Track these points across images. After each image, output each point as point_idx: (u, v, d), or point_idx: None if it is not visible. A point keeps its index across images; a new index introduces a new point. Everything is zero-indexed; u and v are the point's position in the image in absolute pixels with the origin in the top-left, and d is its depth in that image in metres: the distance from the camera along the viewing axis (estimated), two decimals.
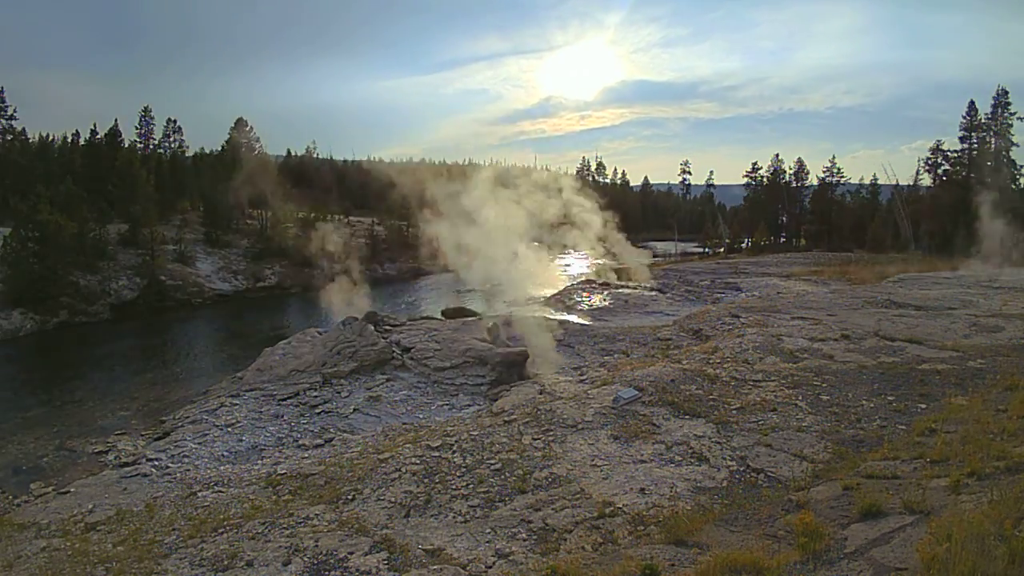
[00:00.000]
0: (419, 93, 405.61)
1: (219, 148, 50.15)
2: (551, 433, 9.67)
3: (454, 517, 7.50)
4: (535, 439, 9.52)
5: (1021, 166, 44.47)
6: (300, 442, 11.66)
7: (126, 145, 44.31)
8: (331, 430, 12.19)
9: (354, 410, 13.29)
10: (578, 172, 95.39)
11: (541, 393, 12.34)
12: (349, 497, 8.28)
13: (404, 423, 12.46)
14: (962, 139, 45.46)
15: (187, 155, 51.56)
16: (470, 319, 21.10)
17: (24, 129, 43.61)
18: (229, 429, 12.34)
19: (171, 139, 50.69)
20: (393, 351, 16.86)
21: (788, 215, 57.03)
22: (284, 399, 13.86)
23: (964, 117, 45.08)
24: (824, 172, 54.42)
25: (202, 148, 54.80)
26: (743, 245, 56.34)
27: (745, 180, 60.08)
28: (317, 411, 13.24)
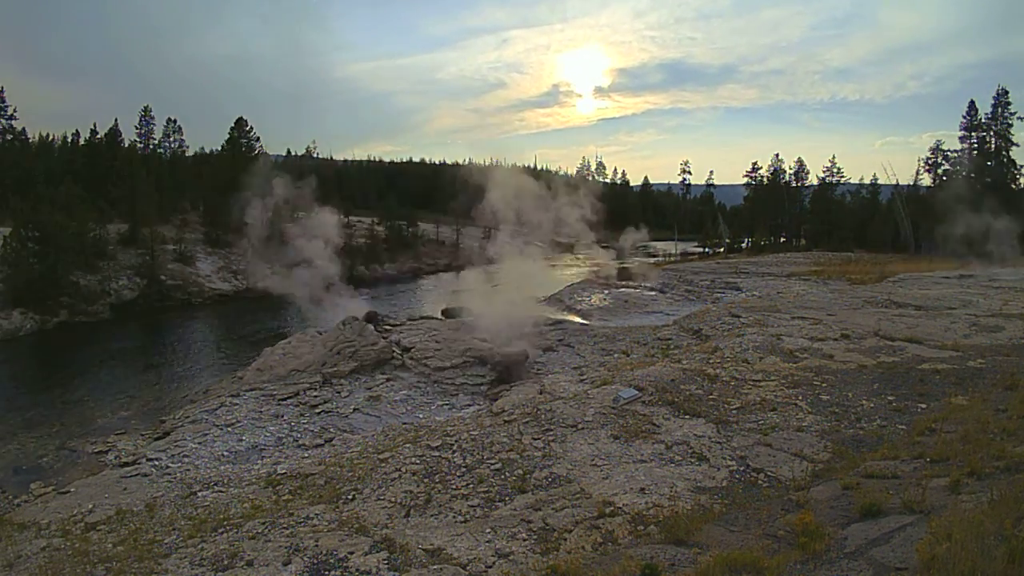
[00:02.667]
0: (405, 79, 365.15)
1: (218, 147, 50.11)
2: (551, 433, 9.67)
3: (454, 517, 7.50)
4: (535, 439, 9.52)
5: (1021, 166, 44.55)
6: (300, 442, 11.67)
7: (126, 145, 44.32)
8: (331, 430, 12.19)
9: (354, 410, 13.31)
10: (578, 172, 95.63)
11: (541, 393, 12.34)
12: (349, 497, 8.28)
13: (404, 423, 12.47)
14: (962, 139, 45.53)
15: (187, 154, 51.66)
16: (470, 319, 21.11)
17: (24, 129, 43.62)
18: (229, 429, 12.34)
19: (171, 139, 50.75)
20: (393, 351, 16.88)
21: (788, 215, 57.02)
22: (284, 399, 13.86)
23: (964, 117, 45.14)
24: (824, 172, 54.59)
25: (202, 148, 54.91)
26: (743, 245, 56.36)
27: (745, 180, 60.16)
28: (317, 411, 13.24)
